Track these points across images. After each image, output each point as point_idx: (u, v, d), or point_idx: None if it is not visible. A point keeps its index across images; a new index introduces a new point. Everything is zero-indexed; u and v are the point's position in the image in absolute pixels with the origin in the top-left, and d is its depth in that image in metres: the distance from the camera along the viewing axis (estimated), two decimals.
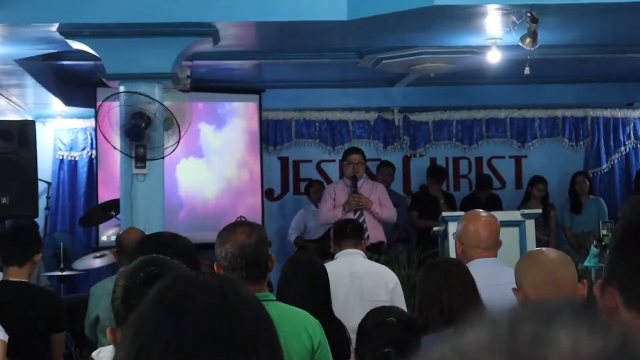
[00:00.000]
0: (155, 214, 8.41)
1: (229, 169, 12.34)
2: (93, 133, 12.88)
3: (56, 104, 12.19)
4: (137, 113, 7.97)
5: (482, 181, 12.59)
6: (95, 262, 10.58)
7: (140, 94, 7.99)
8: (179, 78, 8.71)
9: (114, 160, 11.95)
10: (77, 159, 13.13)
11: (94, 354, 3.44)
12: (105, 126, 8.20)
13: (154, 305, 1.68)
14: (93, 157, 12.90)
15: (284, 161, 13.19)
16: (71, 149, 13.14)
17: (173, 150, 8.42)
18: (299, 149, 13.22)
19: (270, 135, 13.05)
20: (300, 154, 13.21)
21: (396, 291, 6.28)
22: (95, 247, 11.79)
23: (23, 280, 5.76)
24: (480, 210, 6.06)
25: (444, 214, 9.56)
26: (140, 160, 8.11)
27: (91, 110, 12.38)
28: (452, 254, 9.44)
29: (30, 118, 11.50)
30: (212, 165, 12.25)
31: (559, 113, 13.33)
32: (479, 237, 5.32)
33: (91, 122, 12.84)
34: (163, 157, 8.35)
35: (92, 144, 13.01)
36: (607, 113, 13.44)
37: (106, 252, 10.74)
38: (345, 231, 6.54)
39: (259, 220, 11.09)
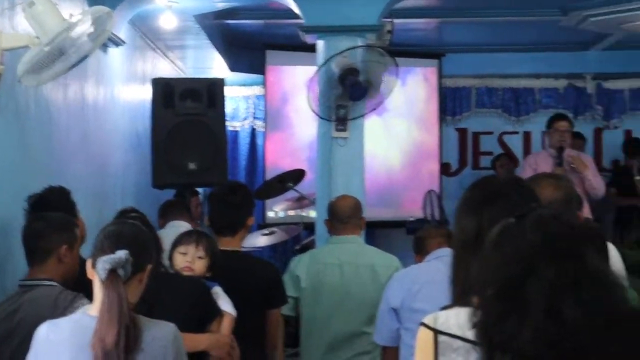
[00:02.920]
0: (355, 181, 7.54)
1: (409, 136, 11.33)
2: (256, 101, 12.03)
3: (217, 69, 11.39)
4: (348, 70, 7.07)
5: None
6: (261, 240, 9.67)
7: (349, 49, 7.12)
8: (383, 32, 7.75)
9: (287, 129, 11.11)
10: (238, 129, 12.29)
11: None
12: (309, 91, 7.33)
13: None
14: (255, 127, 12.04)
15: (462, 132, 12.10)
16: (232, 118, 12.29)
17: (376, 108, 7.48)
18: (480, 119, 12.09)
19: (448, 104, 11.96)
20: (481, 124, 12.08)
21: None
22: (261, 223, 10.91)
23: (236, 249, 5.16)
24: None
25: None
26: (342, 122, 7.22)
27: (254, 77, 11.59)
28: None
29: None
30: (391, 127, 11.16)
31: None
32: None
33: (254, 90, 12.03)
34: (363, 115, 7.44)
35: (254, 113, 12.14)
36: None
37: (275, 229, 9.89)
38: None
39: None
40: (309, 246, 9.19)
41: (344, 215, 5.96)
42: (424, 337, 2.65)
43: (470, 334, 2.48)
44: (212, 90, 7.26)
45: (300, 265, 5.90)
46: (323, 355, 5.86)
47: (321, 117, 7.45)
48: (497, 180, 2.79)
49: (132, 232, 3.41)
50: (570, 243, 1.98)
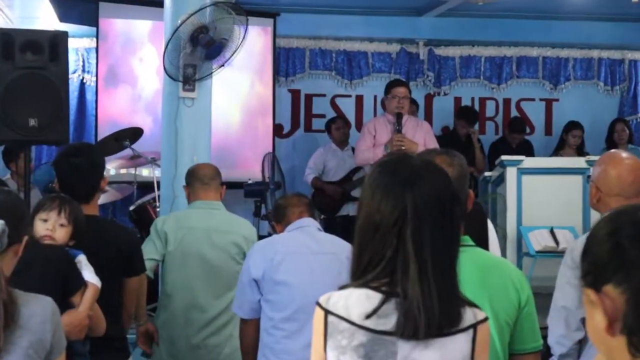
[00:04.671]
0: (202, 142, 7.36)
1: (250, 93, 11.19)
2: (85, 54, 11.58)
3: (45, 19, 10.92)
4: (200, 28, 6.86)
5: (515, 125, 11.56)
6: None
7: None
8: None
9: (123, 85, 10.79)
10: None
11: None
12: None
13: None
14: (85, 81, 11.59)
15: (295, 94, 12.02)
16: None
17: (224, 65, 7.29)
18: (313, 81, 12.04)
19: (281, 65, 11.85)
20: (314, 87, 12.03)
21: None
22: None
23: (93, 214, 4.84)
24: (621, 151, 5.07)
25: (503, 157, 8.82)
26: (190, 81, 7.00)
27: (85, 29, 11.17)
28: (510, 201, 8.63)
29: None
30: (232, 83, 10.84)
31: (595, 54, 12.34)
32: (621, 183, 4.35)
33: (84, 42, 11.59)
34: (211, 74, 7.26)
35: (83, 67, 11.69)
36: None
37: (107, 188, 9.59)
38: None
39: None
40: (145, 206, 8.97)
41: (205, 177, 5.83)
42: (317, 317, 2.63)
43: (355, 317, 2.55)
44: (55, 43, 6.87)
45: (167, 225, 5.71)
46: (179, 326, 5.70)
47: (171, 77, 7.20)
48: (412, 161, 2.70)
49: (7, 201, 3.18)
50: None
